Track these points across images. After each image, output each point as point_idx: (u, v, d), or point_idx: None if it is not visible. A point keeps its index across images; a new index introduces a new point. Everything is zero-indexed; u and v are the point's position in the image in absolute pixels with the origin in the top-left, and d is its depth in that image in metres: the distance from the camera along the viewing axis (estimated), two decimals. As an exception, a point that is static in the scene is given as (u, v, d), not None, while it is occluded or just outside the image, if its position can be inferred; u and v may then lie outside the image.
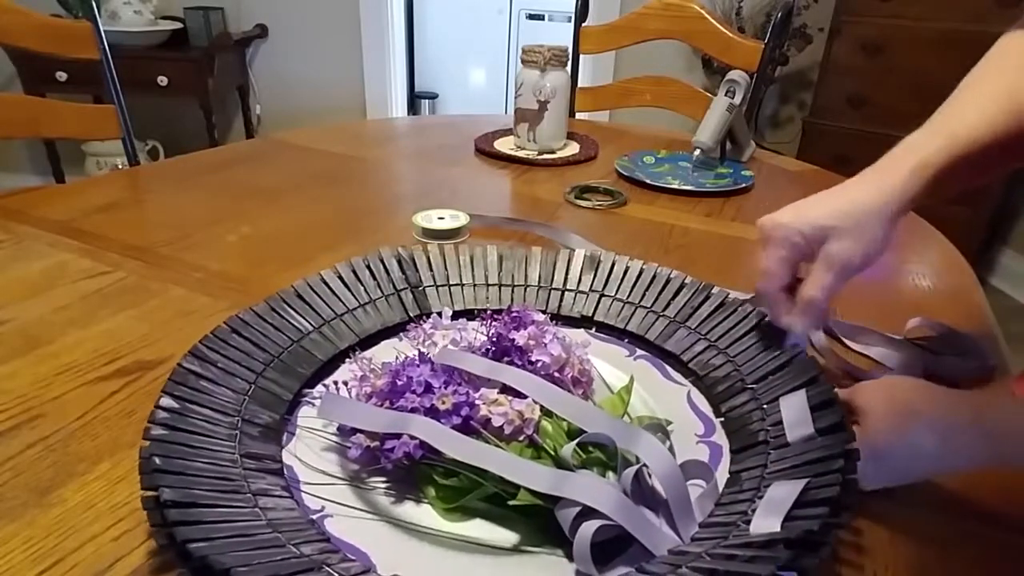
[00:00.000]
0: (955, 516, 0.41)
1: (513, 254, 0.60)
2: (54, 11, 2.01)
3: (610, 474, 0.39)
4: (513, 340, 0.45)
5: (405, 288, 0.57)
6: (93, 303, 0.61)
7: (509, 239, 0.78)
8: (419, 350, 0.45)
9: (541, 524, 0.37)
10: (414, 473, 0.40)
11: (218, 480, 0.37)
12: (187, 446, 0.38)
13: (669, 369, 0.52)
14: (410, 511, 0.39)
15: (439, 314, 0.49)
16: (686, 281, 0.56)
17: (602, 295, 0.57)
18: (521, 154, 1.10)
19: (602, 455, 0.39)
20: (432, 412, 0.40)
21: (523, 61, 1.08)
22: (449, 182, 1.00)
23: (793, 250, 0.46)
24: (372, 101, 2.58)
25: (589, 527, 0.34)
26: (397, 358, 0.44)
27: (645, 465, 0.37)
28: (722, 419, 0.46)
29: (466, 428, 0.40)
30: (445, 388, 0.41)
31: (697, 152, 1.02)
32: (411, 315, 0.55)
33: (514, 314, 0.47)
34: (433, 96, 3.37)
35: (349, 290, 0.55)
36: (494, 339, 0.46)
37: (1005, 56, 0.50)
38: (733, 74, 1.01)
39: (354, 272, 0.56)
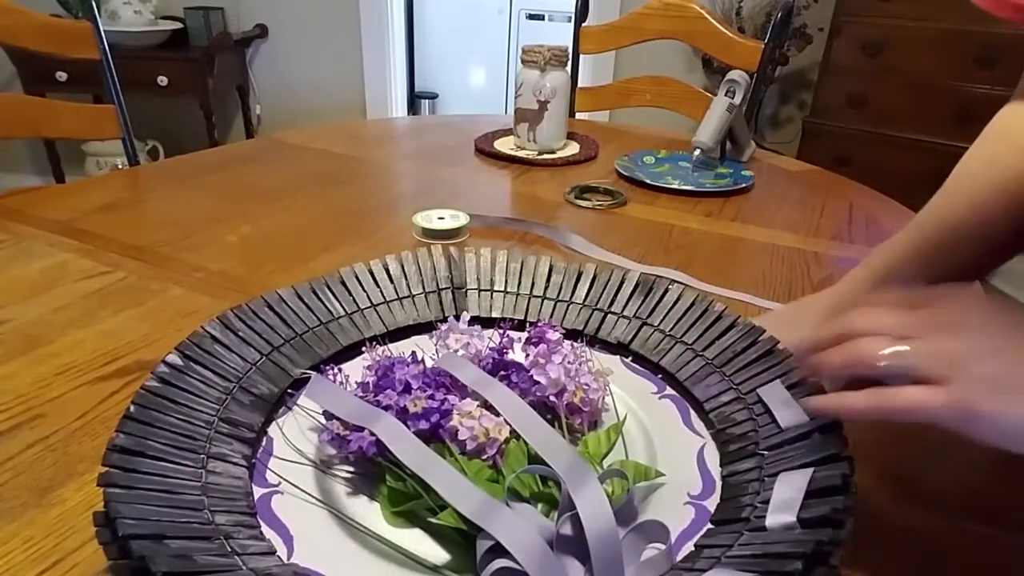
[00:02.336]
0: (955, 516, 0.41)
1: (565, 268, 0.57)
2: (54, 11, 2.01)
3: (555, 514, 0.36)
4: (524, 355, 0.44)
5: (448, 288, 0.56)
6: (93, 303, 0.61)
7: (509, 239, 0.78)
8: (437, 350, 0.46)
9: (472, 549, 0.34)
10: (376, 469, 0.40)
11: (180, 436, 0.38)
12: (171, 401, 0.40)
13: (693, 416, 0.46)
14: (360, 506, 0.38)
15: (456, 317, 0.49)
16: (736, 322, 0.50)
17: (644, 323, 0.53)
18: (521, 154, 1.10)
19: (556, 493, 0.37)
20: (402, 413, 0.40)
21: (523, 61, 1.08)
22: (449, 182, 1.00)
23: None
24: (372, 101, 2.58)
25: (493, 566, 0.32)
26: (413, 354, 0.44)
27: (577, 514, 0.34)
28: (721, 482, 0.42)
29: (434, 436, 0.39)
30: (422, 392, 0.41)
31: (697, 152, 1.02)
32: (446, 315, 0.54)
33: (538, 328, 0.46)
34: (433, 96, 3.37)
35: (392, 282, 0.55)
36: (497, 352, 0.45)
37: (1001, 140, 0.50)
38: (733, 74, 1.01)
39: (402, 265, 0.56)
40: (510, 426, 0.39)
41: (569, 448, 0.37)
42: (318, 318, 0.51)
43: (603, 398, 0.45)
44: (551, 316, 0.54)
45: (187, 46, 2.40)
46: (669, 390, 0.49)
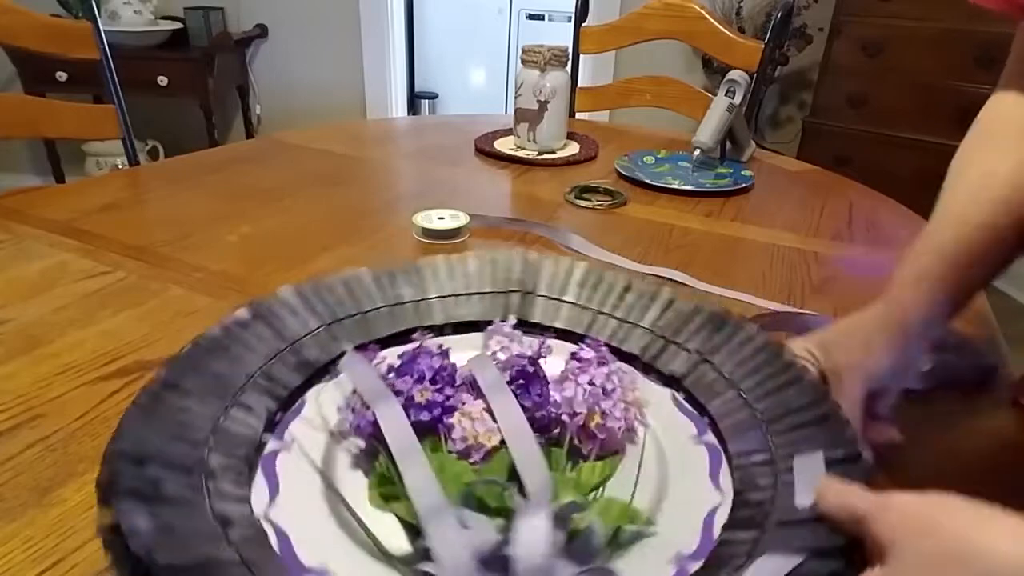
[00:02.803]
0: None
1: (642, 288, 0.54)
2: (54, 11, 2.01)
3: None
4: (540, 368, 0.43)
5: (518, 291, 0.55)
6: (93, 303, 0.61)
7: (509, 239, 0.78)
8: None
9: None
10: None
11: (216, 379, 0.42)
12: (222, 348, 0.44)
13: (724, 469, 0.41)
14: (354, 480, 0.40)
15: (503, 320, 0.49)
16: (800, 376, 0.44)
17: (704, 359, 0.48)
18: (521, 154, 1.10)
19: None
20: (409, 401, 0.41)
21: (523, 61, 1.08)
22: (449, 182, 1.00)
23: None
24: (372, 101, 2.58)
25: (420, 567, 0.32)
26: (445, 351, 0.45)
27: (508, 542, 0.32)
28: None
29: (433, 429, 0.41)
30: (432, 384, 0.42)
31: (697, 152, 1.02)
32: (507, 317, 0.53)
33: (585, 345, 0.45)
34: (433, 96, 3.37)
35: (466, 278, 0.56)
36: (530, 360, 0.44)
37: (994, 134, 0.49)
38: (733, 74, 1.01)
39: (479, 263, 0.56)
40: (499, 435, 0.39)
41: (544, 471, 0.37)
42: (384, 300, 0.52)
43: (626, 429, 0.42)
44: (611, 336, 0.52)
45: (187, 46, 2.40)
46: (710, 436, 0.44)
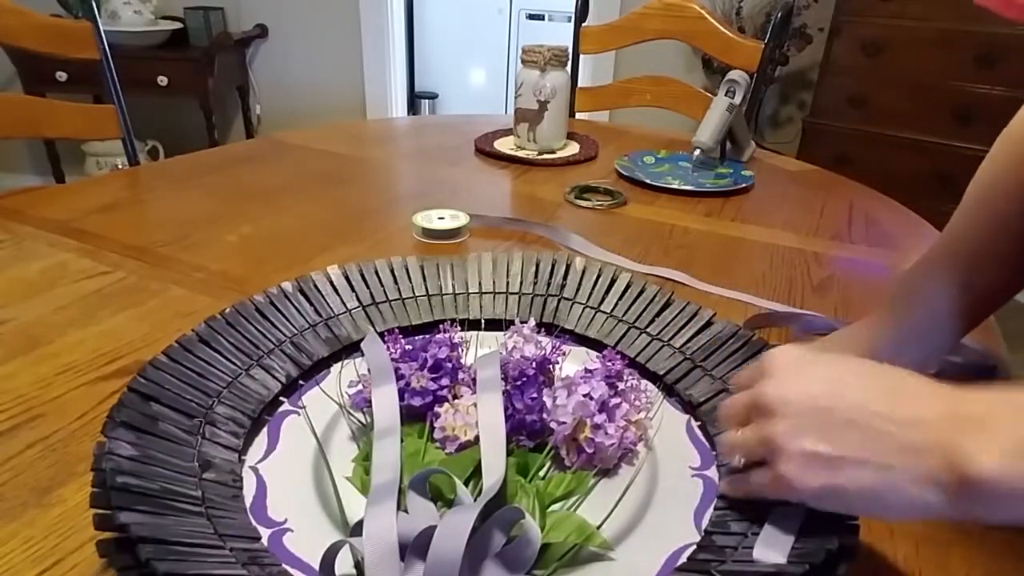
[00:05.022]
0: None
1: (682, 305, 0.52)
2: (54, 11, 2.01)
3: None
4: (536, 372, 0.43)
5: (556, 296, 0.56)
6: (93, 303, 0.61)
7: (509, 239, 0.78)
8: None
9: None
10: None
11: (247, 339, 0.46)
12: (260, 314, 0.48)
13: (710, 511, 0.38)
14: (348, 451, 0.42)
15: (523, 321, 0.49)
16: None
17: (726, 387, 0.46)
18: (521, 154, 1.10)
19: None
20: (406, 385, 0.43)
21: (523, 61, 1.08)
22: (449, 182, 1.00)
23: None
24: (372, 101, 2.58)
25: (337, 544, 0.32)
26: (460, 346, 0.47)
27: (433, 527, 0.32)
28: None
29: (423, 415, 0.43)
30: (431, 372, 0.43)
31: (697, 152, 1.02)
32: (542, 320, 0.53)
33: (603, 357, 0.44)
34: (433, 96, 3.37)
35: (508, 277, 0.57)
36: (537, 363, 0.44)
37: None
38: (733, 74, 1.01)
39: (522, 262, 0.58)
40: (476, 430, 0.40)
41: (498, 473, 0.37)
42: (425, 289, 0.54)
43: (621, 448, 0.41)
44: (640, 352, 0.50)
45: (187, 46, 2.40)
46: (713, 471, 0.42)
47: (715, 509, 0.38)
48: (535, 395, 0.42)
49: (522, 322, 0.48)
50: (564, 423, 0.40)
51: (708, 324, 0.51)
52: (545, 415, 0.41)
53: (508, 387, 0.43)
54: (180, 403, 0.40)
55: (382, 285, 0.54)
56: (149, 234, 0.76)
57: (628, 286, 0.55)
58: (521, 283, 0.56)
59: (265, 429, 0.42)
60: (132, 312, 0.60)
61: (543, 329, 0.51)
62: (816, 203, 0.96)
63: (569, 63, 1.11)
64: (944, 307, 0.47)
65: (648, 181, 0.98)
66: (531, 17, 3.15)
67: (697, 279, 0.69)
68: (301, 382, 0.47)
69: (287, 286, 0.51)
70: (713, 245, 0.80)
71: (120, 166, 2.47)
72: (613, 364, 0.44)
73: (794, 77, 2.28)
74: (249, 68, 2.61)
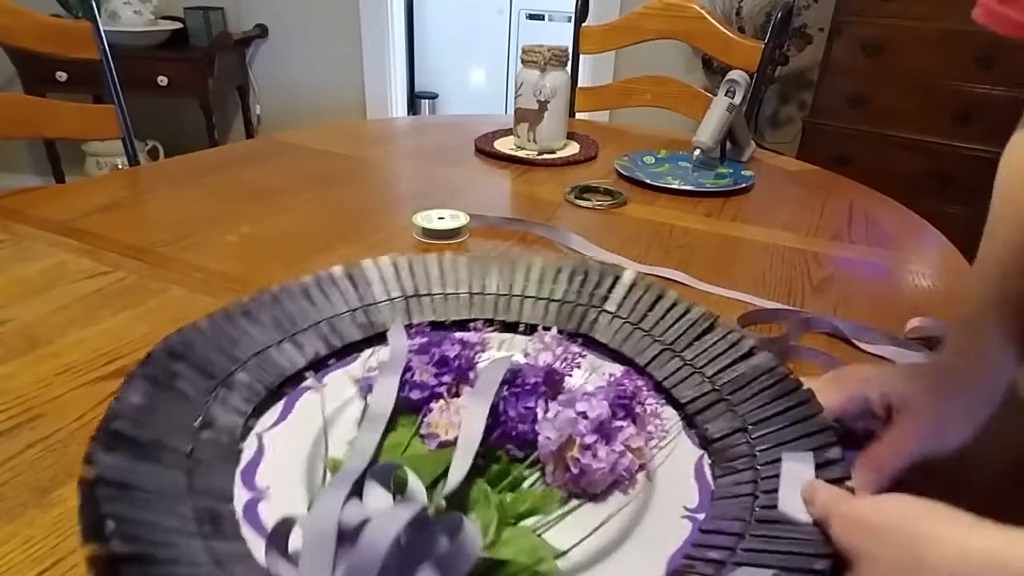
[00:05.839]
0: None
1: (725, 331, 0.49)
2: (54, 11, 2.01)
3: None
4: (537, 383, 0.43)
5: (585, 305, 0.55)
6: (93, 303, 0.61)
7: (509, 239, 0.78)
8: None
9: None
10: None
11: (285, 318, 0.47)
12: (289, 297, 0.49)
13: (693, 553, 0.36)
14: (347, 426, 0.43)
15: (545, 328, 0.49)
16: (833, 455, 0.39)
17: (744, 427, 0.42)
18: (521, 154, 1.10)
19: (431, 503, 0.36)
20: (410, 377, 0.44)
21: (523, 61, 1.08)
22: (449, 182, 1.00)
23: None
24: (372, 101, 2.58)
25: (287, 520, 0.32)
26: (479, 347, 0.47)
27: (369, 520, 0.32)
28: None
29: (418, 408, 0.43)
30: (436, 368, 0.44)
31: (697, 152, 1.02)
32: (570, 328, 0.52)
33: (622, 375, 0.43)
34: (433, 96, 3.37)
35: (554, 284, 0.56)
36: (544, 372, 0.44)
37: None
38: (733, 74, 1.01)
39: (571, 271, 0.57)
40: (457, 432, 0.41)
41: (459, 480, 0.36)
42: (469, 288, 0.55)
43: (612, 474, 0.39)
44: (668, 378, 0.48)
45: (187, 46, 2.40)
46: (704, 516, 0.38)
47: (683, 558, 0.35)
48: (530, 404, 0.41)
49: (545, 329, 0.48)
50: (549, 438, 0.39)
51: (748, 355, 0.46)
52: (537, 427, 0.40)
53: (507, 393, 0.42)
54: (203, 365, 0.41)
55: (427, 278, 0.55)
56: (149, 234, 0.76)
57: (673, 305, 0.52)
58: (566, 291, 0.55)
59: (283, 401, 0.44)
60: (132, 312, 0.60)
61: (579, 339, 0.51)
62: (816, 203, 0.96)
63: (569, 63, 1.11)
64: (1009, 364, 0.42)
65: (648, 181, 0.98)
66: (531, 17, 3.15)
67: (697, 279, 0.69)
68: (331, 362, 0.48)
69: (336, 270, 0.52)
70: (713, 245, 0.80)
71: (120, 166, 2.47)
72: (629, 384, 0.42)
73: (794, 77, 2.28)
74: (249, 68, 2.62)
